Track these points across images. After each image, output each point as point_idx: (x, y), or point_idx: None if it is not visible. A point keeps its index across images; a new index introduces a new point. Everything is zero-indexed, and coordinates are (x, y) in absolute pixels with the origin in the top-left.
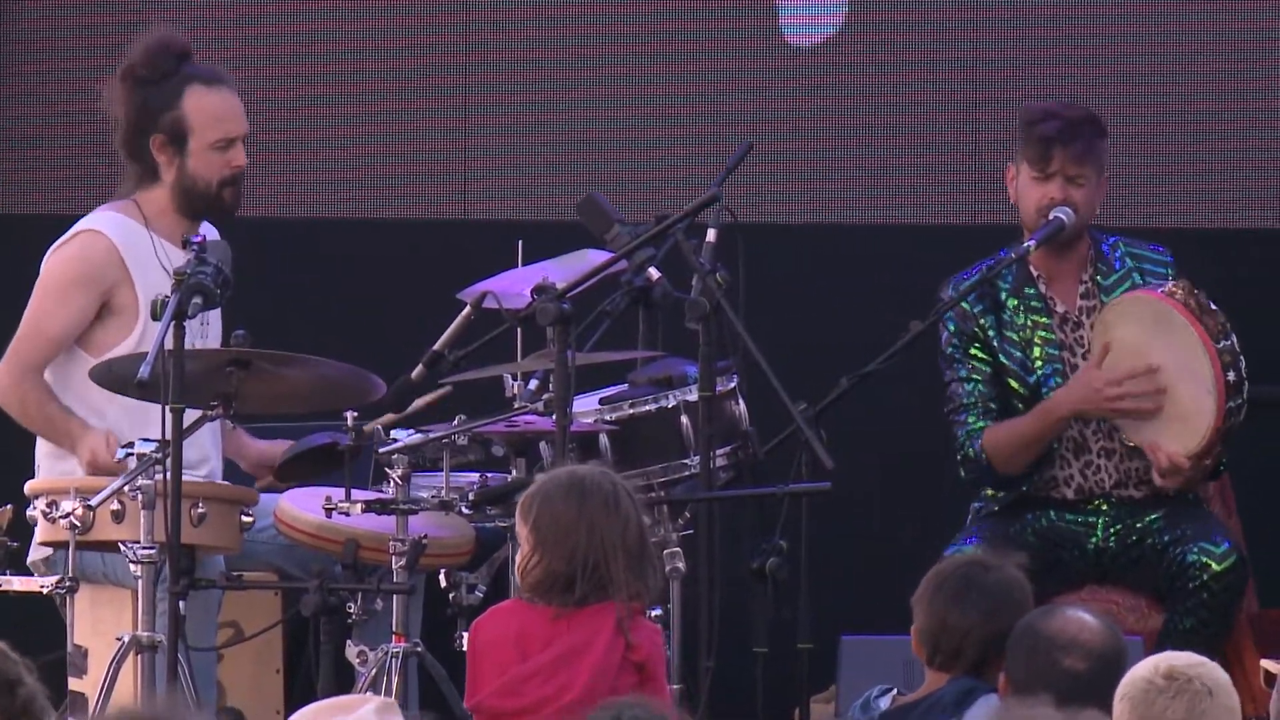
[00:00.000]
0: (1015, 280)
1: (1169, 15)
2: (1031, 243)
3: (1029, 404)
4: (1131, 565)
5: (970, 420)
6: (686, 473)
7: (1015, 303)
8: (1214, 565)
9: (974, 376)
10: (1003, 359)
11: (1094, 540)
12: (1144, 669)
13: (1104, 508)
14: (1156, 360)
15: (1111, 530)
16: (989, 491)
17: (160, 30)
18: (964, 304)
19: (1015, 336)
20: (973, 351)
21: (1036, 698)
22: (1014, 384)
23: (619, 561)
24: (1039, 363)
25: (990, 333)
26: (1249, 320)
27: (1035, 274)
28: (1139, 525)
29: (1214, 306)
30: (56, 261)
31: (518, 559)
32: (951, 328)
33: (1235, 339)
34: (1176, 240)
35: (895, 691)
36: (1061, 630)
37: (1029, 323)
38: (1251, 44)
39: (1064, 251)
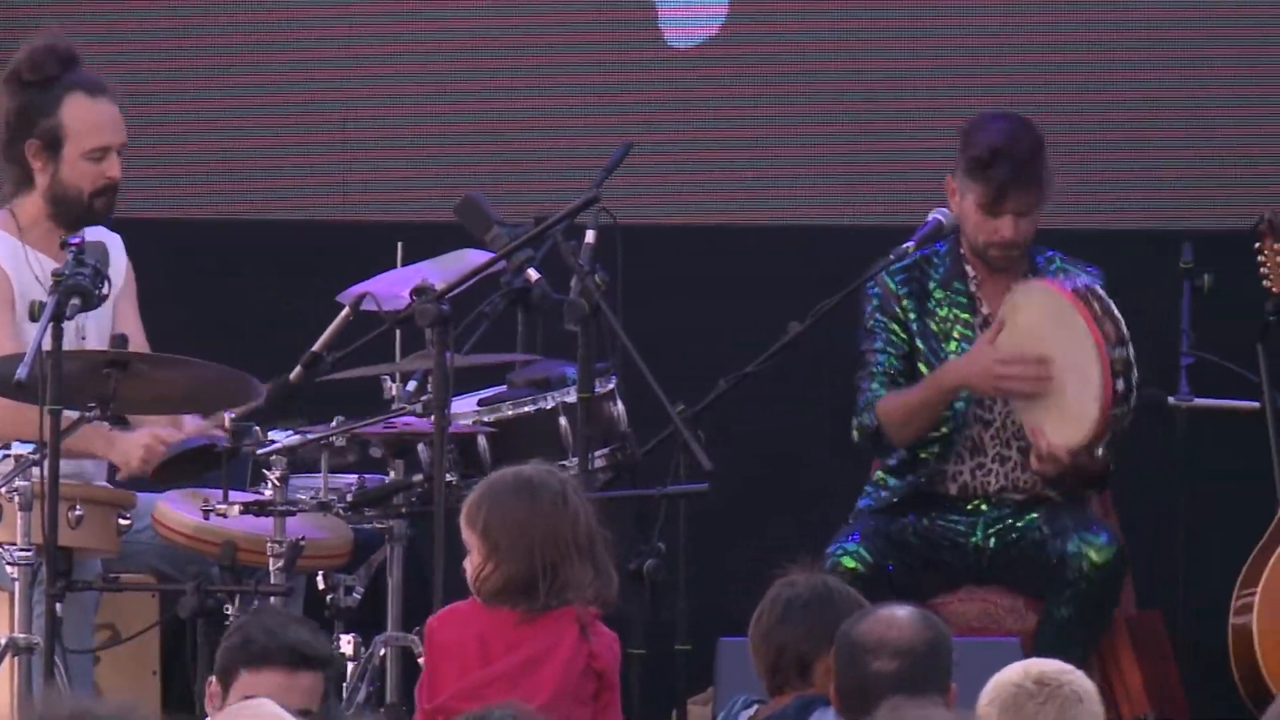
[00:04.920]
0: (946, 273)
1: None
2: (910, 244)
3: None
4: (1010, 565)
5: (873, 387)
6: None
7: (942, 294)
8: (1093, 555)
9: (888, 349)
10: (920, 343)
11: (974, 540)
12: (1013, 674)
13: (984, 508)
14: (1049, 353)
15: (991, 530)
16: (880, 476)
17: (48, 35)
18: (891, 285)
19: (934, 327)
20: (893, 326)
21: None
22: (924, 369)
23: (574, 560)
24: (952, 357)
25: (911, 316)
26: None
27: (969, 272)
28: (1019, 525)
29: (1116, 314)
30: None
31: (469, 568)
32: (875, 303)
33: (1132, 349)
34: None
35: (758, 705)
36: (868, 633)
37: (951, 315)
38: (1143, 34)
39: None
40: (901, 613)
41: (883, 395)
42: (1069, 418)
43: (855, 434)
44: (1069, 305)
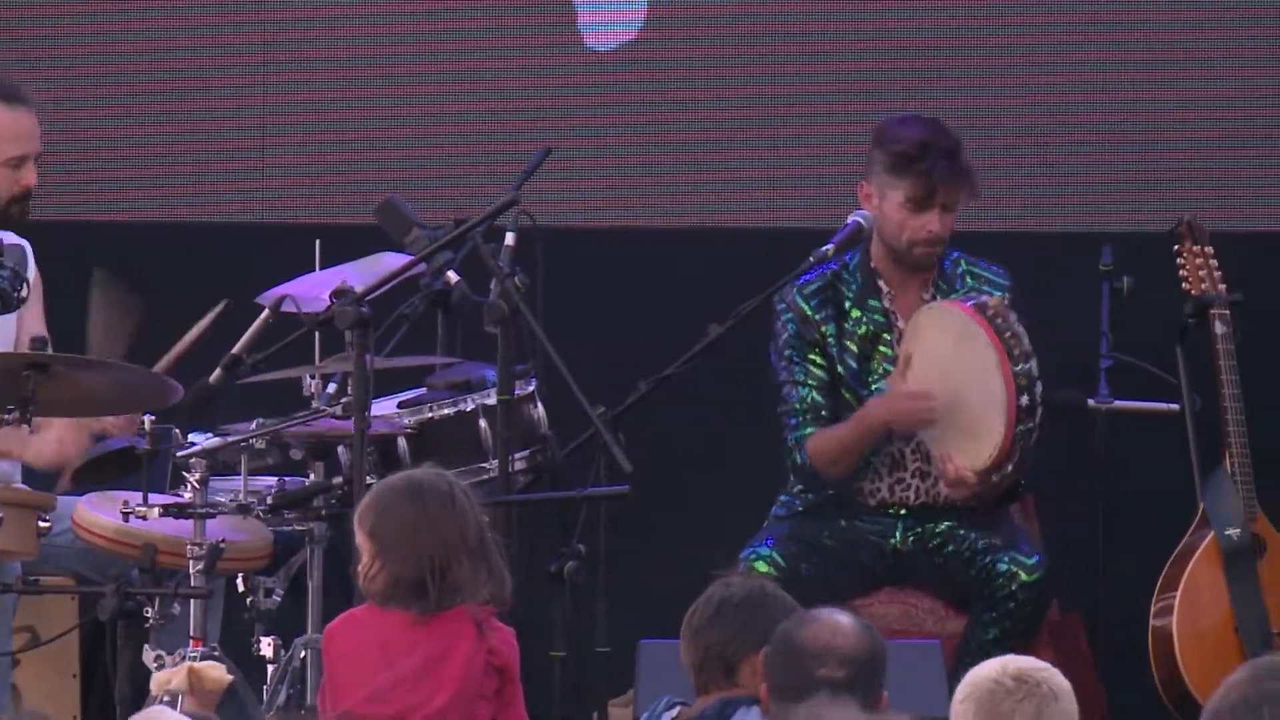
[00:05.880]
0: (861, 290)
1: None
2: (830, 246)
3: None
4: (933, 569)
5: (800, 426)
6: (485, 476)
7: (859, 313)
8: (1023, 576)
9: (809, 382)
10: (840, 369)
11: (892, 542)
12: (989, 670)
13: (902, 513)
14: (954, 372)
15: (910, 533)
16: (799, 488)
17: None
18: (806, 309)
19: (854, 347)
20: (811, 357)
21: (838, 700)
22: (847, 394)
23: (463, 562)
24: (875, 376)
25: (830, 340)
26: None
27: (883, 287)
28: (938, 530)
29: (1019, 329)
30: None
31: (359, 569)
32: (791, 329)
33: (1035, 363)
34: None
35: (681, 706)
36: (815, 638)
37: (870, 334)
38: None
39: (914, 269)
40: (844, 620)
41: (812, 433)
42: (976, 438)
43: (791, 474)
44: (973, 324)
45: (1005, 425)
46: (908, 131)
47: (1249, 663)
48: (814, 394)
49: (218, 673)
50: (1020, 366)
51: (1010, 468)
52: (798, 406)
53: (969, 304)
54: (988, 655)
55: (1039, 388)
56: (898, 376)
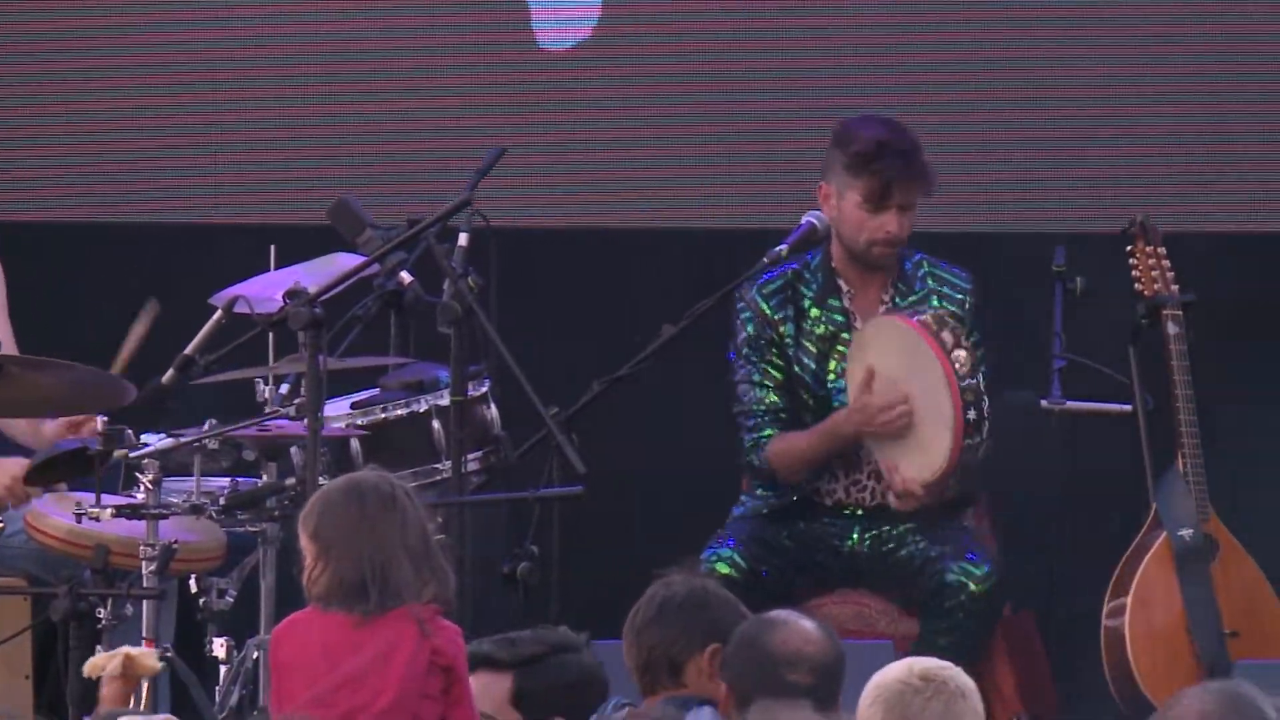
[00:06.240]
0: (821, 290)
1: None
2: (784, 247)
3: (818, 415)
4: (886, 572)
5: (758, 428)
6: (438, 477)
7: (818, 312)
8: (972, 586)
9: (766, 383)
10: (797, 369)
11: (849, 543)
12: (896, 672)
13: (858, 514)
14: (901, 387)
15: (867, 535)
16: (758, 490)
17: None
18: (765, 308)
19: (813, 347)
20: (769, 358)
21: (789, 701)
22: (805, 394)
23: (404, 563)
24: (833, 376)
25: (788, 340)
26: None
27: (843, 287)
28: (894, 532)
29: (965, 343)
30: None
31: (304, 572)
32: (750, 330)
33: (982, 378)
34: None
35: (630, 707)
36: (785, 644)
37: (829, 334)
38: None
39: (874, 270)
40: (810, 625)
41: (772, 437)
42: (923, 451)
43: (746, 474)
44: (917, 338)
45: (953, 440)
46: (866, 131)
47: (1218, 690)
48: (772, 395)
49: (151, 661)
50: (966, 382)
51: (956, 481)
52: (756, 408)
53: (915, 319)
54: None
55: (985, 402)
56: (860, 391)
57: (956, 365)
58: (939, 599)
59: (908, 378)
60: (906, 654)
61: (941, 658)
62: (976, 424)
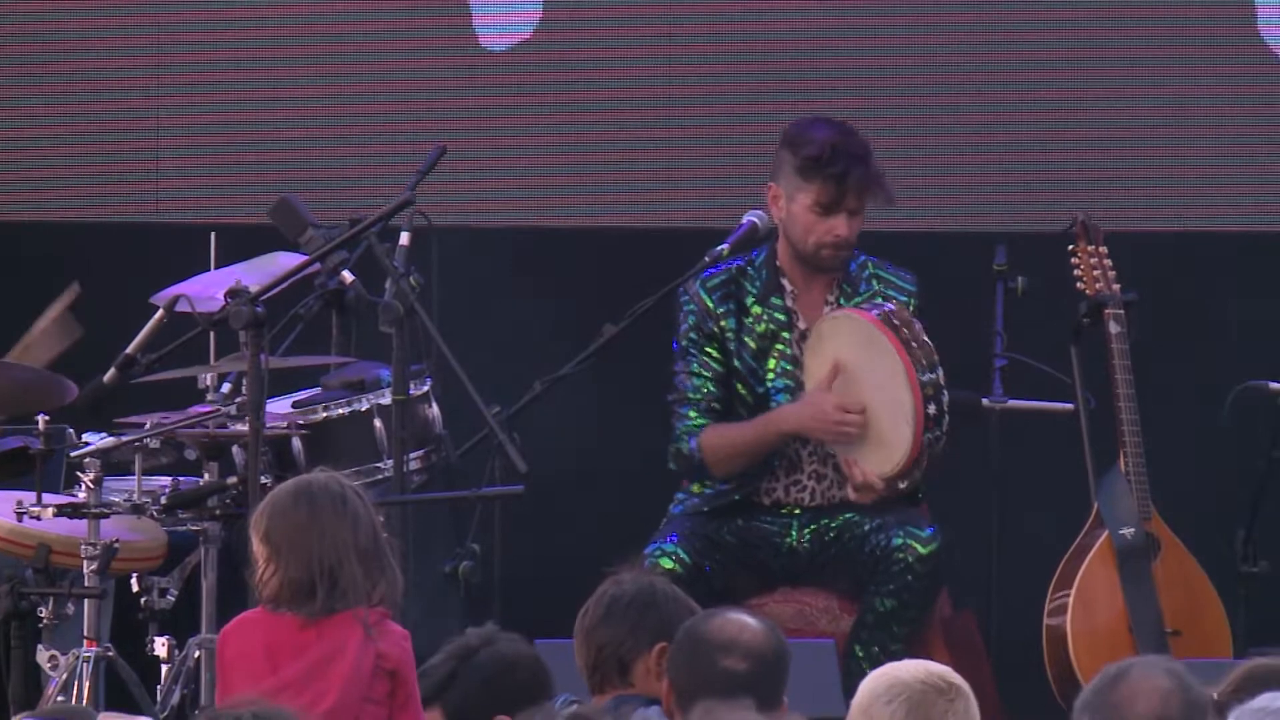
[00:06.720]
0: (764, 288)
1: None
2: (724, 247)
3: (753, 411)
4: (828, 564)
5: (691, 415)
6: (380, 476)
7: (760, 310)
8: (919, 548)
9: (704, 373)
10: (737, 363)
11: (789, 540)
12: (912, 672)
13: (797, 511)
14: (863, 381)
15: (807, 530)
16: (695, 488)
17: None
18: (708, 302)
19: (753, 344)
20: (709, 349)
21: (731, 701)
22: (742, 389)
23: (353, 564)
24: (771, 374)
25: (729, 335)
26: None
27: (787, 286)
28: (834, 525)
29: (924, 338)
30: None
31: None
32: (692, 320)
33: (941, 372)
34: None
35: (577, 704)
36: (721, 631)
37: (769, 332)
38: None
39: (819, 271)
40: (752, 619)
41: (704, 425)
42: (883, 445)
43: (672, 461)
44: (877, 333)
45: (913, 434)
46: (818, 134)
47: (1160, 668)
48: (710, 385)
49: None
50: (927, 376)
51: (917, 474)
52: (692, 396)
53: (874, 313)
54: (883, 631)
55: (945, 396)
56: (822, 386)
57: (916, 359)
58: (886, 563)
59: (865, 372)
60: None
61: (884, 623)
62: (937, 418)
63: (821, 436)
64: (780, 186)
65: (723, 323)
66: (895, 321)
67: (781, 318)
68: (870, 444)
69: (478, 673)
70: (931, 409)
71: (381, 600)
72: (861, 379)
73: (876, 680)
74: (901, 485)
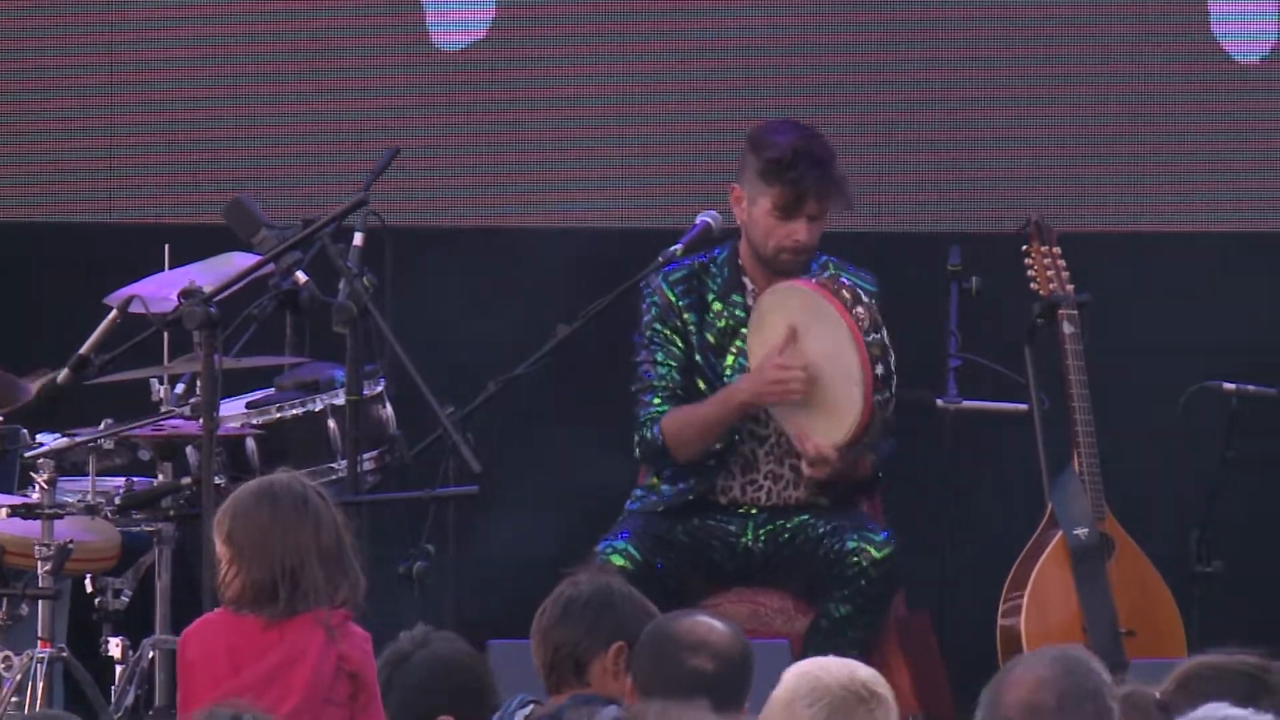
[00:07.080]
0: (725, 284)
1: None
2: (678, 247)
3: None
4: (782, 565)
5: (655, 402)
6: (334, 476)
7: (720, 306)
8: (873, 552)
9: (669, 361)
10: (697, 358)
11: (744, 540)
12: (835, 676)
13: (753, 511)
14: (809, 350)
15: (762, 530)
16: (653, 480)
17: None
18: (671, 296)
19: (712, 339)
20: (672, 340)
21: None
22: (701, 383)
23: (315, 565)
24: (729, 371)
25: (691, 329)
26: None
27: (748, 285)
28: (789, 526)
29: (865, 299)
30: None
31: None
32: (655, 313)
33: (885, 333)
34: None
35: (534, 704)
36: (689, 632)
37: (729, 328)
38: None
39: (781, 271)
40: (719, 621)
41: (667, 410)
42: (835, 410)
43: (637, 449)
44: (819, 298)
45: (863, 397)
46: (781, 138)
47: (1053, 656)
48: (674, 373)
49: None
50: (871, 337)
51: (869, 438)
52: (656, 383)
53: (814, 281)
54: (838, 637)
55: (891, 357)
56: (774, 353)
57: (859, 321)
58: (840, 568)
59: (811, 341)
60: (804, 647)
61: (840, 628)
62: (885, 379)
63: (768, 397)
64: (743, 188)
65: (685, 315)
66: (834, 285)
67: (742, 315)
68: (822, 412)
69: (413, 676)
70: (879, 369)
71: (344, 602)
72: (810, 347)
73: (800, 679)
74: (855, 452)
